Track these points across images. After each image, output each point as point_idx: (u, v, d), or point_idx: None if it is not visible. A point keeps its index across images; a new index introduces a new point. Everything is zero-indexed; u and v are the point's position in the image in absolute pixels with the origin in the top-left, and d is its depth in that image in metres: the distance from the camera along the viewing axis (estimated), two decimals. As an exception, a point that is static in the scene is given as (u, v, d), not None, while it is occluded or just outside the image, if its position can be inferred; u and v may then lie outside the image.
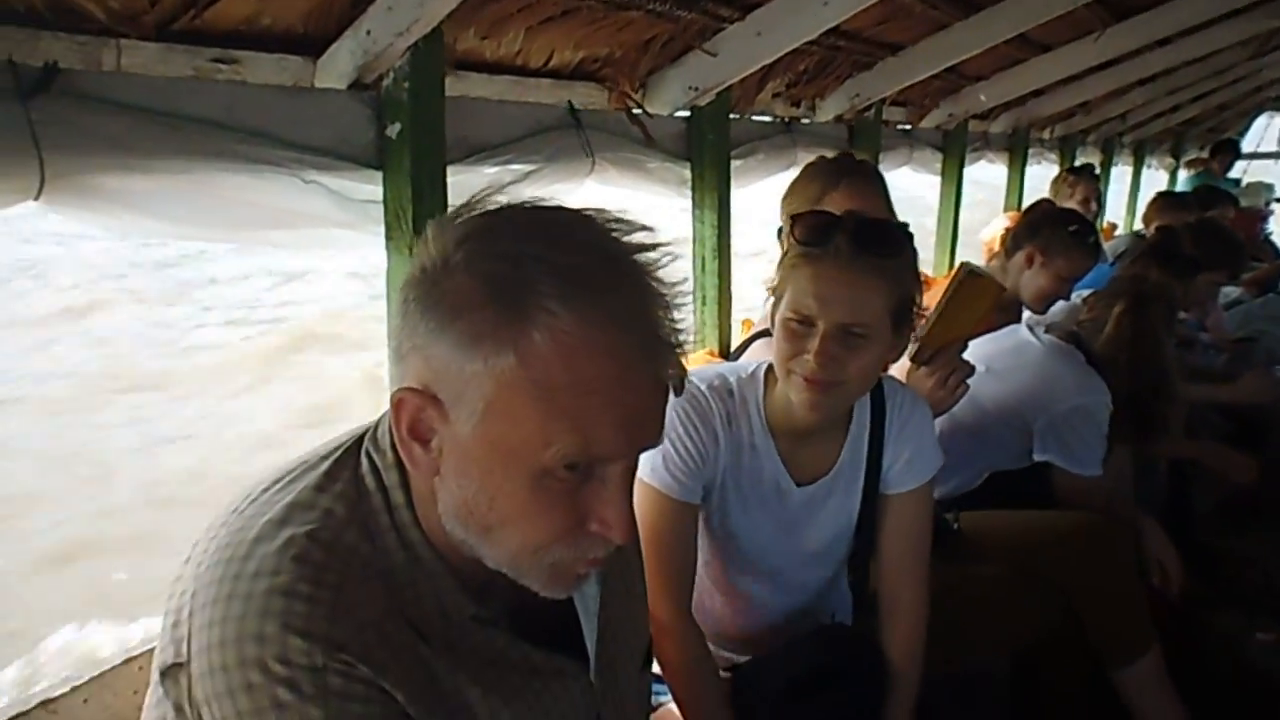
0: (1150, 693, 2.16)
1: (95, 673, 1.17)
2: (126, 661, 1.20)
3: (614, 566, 1.05)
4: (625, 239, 0.81)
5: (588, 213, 0.83)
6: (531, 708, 0.91)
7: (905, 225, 1.56)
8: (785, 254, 1.53)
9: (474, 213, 0.83)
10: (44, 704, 1.11)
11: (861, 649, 1.63)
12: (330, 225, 1.56)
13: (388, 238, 1.60)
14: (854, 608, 1.75)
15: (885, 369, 1.90)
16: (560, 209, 0.84)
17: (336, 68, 1.67)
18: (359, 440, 0.92)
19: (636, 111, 2.46)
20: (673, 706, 1.61)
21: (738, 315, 2.92)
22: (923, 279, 1.67)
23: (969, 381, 2.45)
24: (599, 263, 0.79)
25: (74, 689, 1.14)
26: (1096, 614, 2.13)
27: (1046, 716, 2.26)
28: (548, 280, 0.76)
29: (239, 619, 0.78)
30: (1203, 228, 3.60)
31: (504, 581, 0.87)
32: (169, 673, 0.82)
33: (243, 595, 0.79)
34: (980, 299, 1.91)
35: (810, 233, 1.47)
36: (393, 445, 0.87)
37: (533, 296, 0.76)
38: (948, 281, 1.97)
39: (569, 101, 2.25)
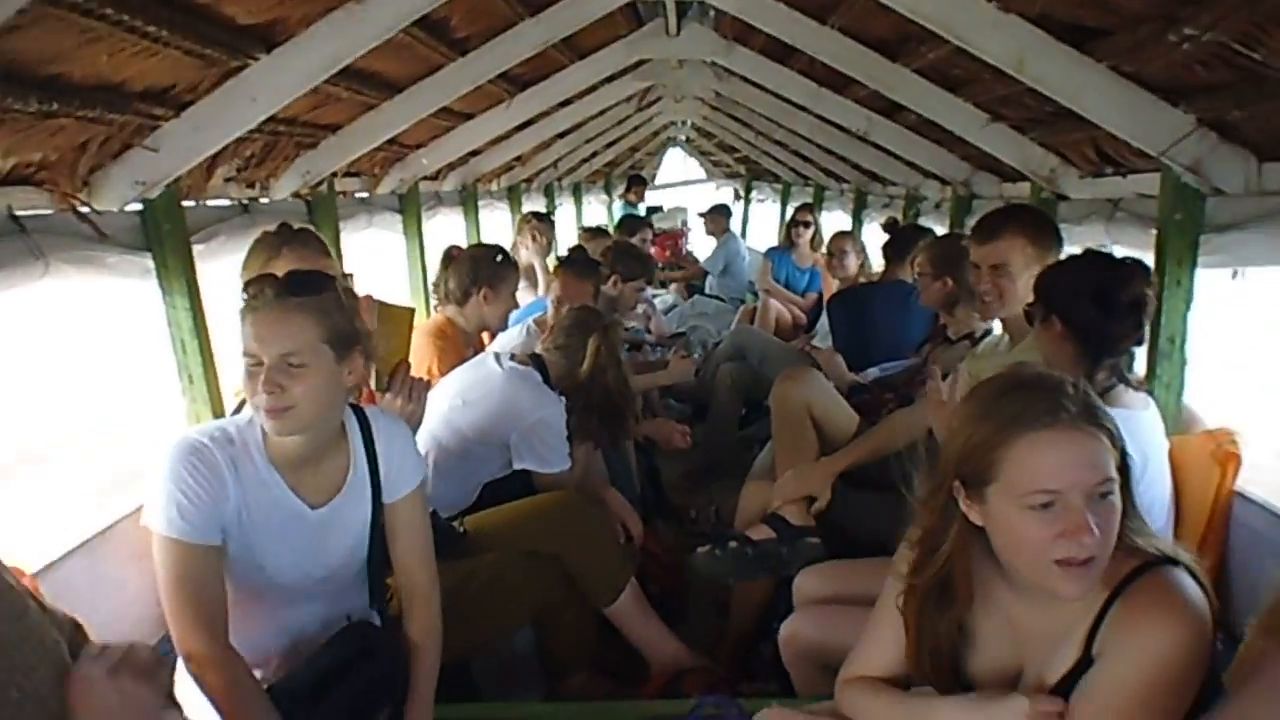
0: (635, 618, 2.70)
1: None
2: None
3: None
4: None
5: None
6: None
7: (327, 273, 1.89)
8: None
9: None
10: None
11: (376, 636, 1.89)
12: None
13: None
14: (374, 604, 2.00)
15: (361, 397, 2.21)
16: None
17: None
18: None
19: (84, 210, 2.45)
20: None
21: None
22: None
23: (449, 412, 2.87)
24: None
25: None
26: (581, 568, 2.62)
27: (568, 660, 2.71)
28: None
29: None
30: (617, 249, 4.42)
31: None
32: None
33: None
34: (400, 324, 2.34)
35: (247, 290, 1.76)
36: None
37: None
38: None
39: (8, 207, 2.21)
